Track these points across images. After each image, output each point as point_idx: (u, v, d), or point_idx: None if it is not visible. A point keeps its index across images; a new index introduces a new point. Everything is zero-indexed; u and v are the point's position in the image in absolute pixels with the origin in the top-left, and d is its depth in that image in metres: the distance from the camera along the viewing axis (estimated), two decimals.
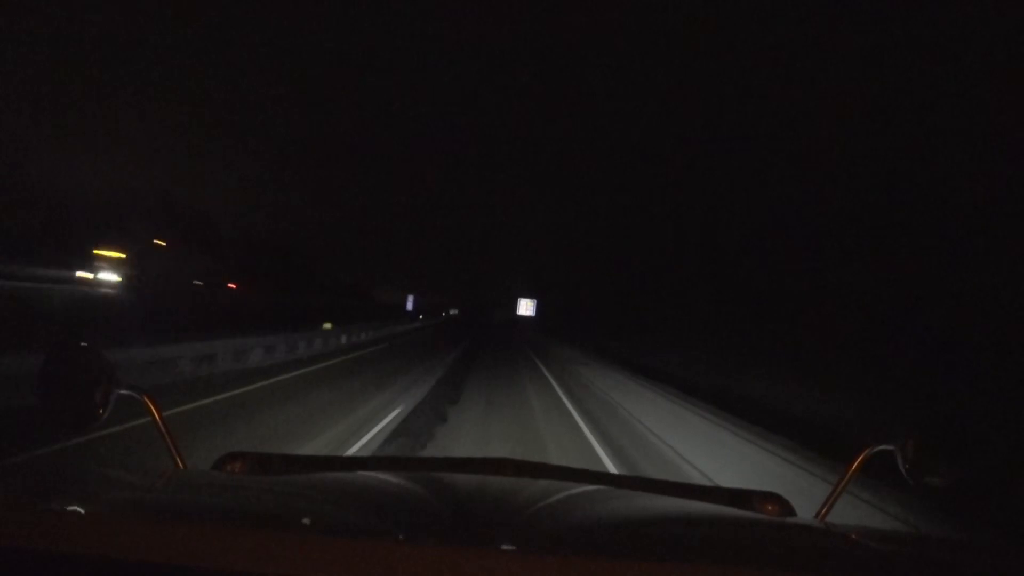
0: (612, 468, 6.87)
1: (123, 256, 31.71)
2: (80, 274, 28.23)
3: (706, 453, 8.24)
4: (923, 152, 11.33)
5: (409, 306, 77.99)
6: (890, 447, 1.08)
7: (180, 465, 1.17)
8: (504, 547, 0.69)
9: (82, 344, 1.08)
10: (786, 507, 1.23)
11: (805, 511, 1.27)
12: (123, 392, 1.12)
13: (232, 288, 43.68)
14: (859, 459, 1.14)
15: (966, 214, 10.14)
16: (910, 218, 11.56)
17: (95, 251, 30.59)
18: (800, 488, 6.54)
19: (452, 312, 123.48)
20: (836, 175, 14.14)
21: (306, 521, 0.86)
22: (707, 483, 6.13)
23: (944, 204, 10.58)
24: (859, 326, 12.38)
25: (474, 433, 8.36)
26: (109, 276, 29.49)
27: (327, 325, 23.01)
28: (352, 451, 6.85)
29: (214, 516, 0.81)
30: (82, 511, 0.71)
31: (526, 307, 73.98)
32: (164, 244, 37.23)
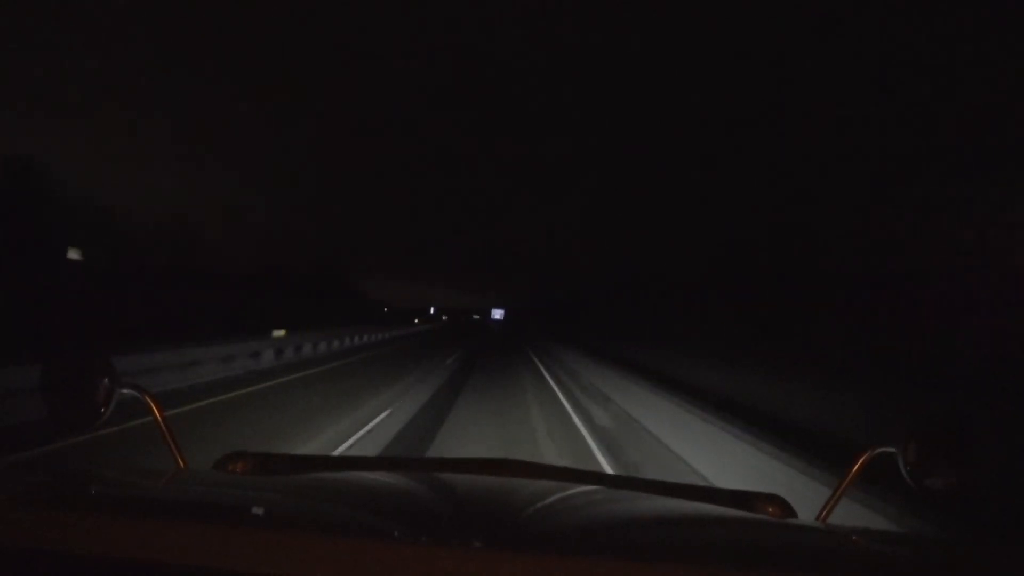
0: None
1: None
2: None
3: None
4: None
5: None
6: (891, 449, 1.08)
7: (181, 464, 1.17)
8: (504, 547, 0.69)
9: (83, 344, 1.09)
10: (787, 509, 1.23)
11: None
12: (125, 391, 1.12)
13: None
14: (860, 461, 1.14)
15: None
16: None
17: None
18: None
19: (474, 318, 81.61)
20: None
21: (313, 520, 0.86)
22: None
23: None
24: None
25: None
26: None
27: None
28: None
29: (215, 515, 0.81)
30: (82, 511, 0.71)
31: None
32: None
